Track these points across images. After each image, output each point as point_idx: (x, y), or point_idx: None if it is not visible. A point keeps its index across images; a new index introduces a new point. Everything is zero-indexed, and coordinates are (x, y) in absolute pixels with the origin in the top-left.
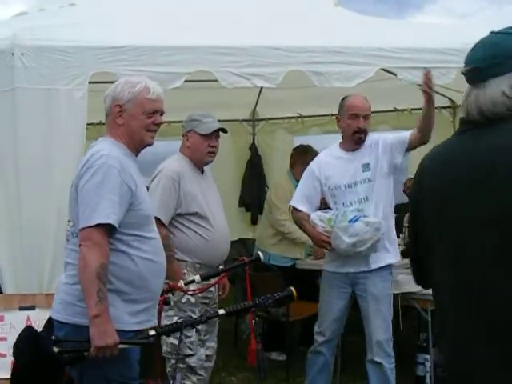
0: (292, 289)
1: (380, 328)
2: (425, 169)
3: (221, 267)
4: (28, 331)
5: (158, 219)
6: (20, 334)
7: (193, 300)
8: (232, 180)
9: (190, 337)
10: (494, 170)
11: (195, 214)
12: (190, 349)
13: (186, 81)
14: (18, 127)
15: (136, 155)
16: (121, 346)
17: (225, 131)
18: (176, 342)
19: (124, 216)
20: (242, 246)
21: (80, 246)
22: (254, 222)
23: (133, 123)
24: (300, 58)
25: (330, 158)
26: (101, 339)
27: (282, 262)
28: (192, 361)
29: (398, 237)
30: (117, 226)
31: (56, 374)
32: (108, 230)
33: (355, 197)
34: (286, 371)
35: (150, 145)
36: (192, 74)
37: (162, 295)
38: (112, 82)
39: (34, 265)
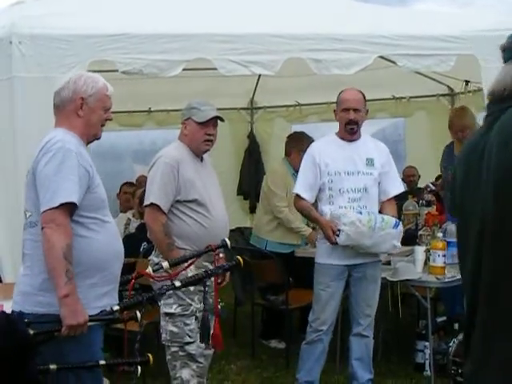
0: (239, 257)
1: (374, 306)
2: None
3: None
4: (1, 316)
5: (157, 206)
6: None
7: (192, 288)
8: (230, 168)
9: (189, 324)
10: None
11: (194, 201)
12: (190, 336)
13: (184, 69)
14: (15, 116)
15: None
16: (89, 323)
17: (221, 119)
18: (175, 329)
19: (82, 199)
20: (239, 234)
21: (43, 228)
22: (252, 210)
23: (92, 117)
24: (299, 46)
25: (330, 146)
26: (72, 318)
27: (279, 248)
28: (192, 348)
29: None
30: (78, 205)
31: (29, 356)
32: (70, 209)
33: (353, 185)
34: (285, 359)
35: (99, 138)
36: (190, 61)
37: (130, 281)
38: (110, 71)
39: None
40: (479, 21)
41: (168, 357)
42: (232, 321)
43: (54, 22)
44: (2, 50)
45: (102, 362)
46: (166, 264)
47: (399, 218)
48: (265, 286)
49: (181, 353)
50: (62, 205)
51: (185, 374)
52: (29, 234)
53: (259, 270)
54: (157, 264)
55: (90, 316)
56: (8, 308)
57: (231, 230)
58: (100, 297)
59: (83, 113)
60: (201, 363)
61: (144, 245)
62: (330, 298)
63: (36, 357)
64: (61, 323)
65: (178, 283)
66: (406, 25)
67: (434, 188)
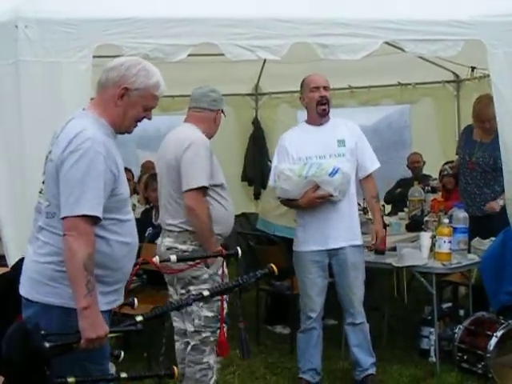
0: (272, 265)
1: (359, 293)
2: None
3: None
4: (17, 327)
5: (202, 189)
6: (9, 331)
7: (206, 276)
8: (235, 154)
9: (224, 309)
10: None
11: (220, 186)
12: (226, 322)
13: (189, 55)
14: (21, 100)
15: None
16: (110, 335)
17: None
18: (211, 314)
19: (106, 201)
20: (245, 220)
21: (65, 235)
22: (256, 196)
23: (130, 111)
24: (305, 30)
25: (299, 133)
26: (92, 331)
27: (287, 232)
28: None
29: (403, 211)
30: (101, 218)
31: (45, 369)
32: (93, 220)
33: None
34: (290, 344)
35: (130, 133)
36: (197, 46)
37: (134, 266)
38: (116, 56)
39: None
40: (487, 6)
41: (196, 342)
42: (237, 306)
43: (59, 6)
44: (7, 34)
45: (124, 375)
46: (173, 258)
47: (404, 205)
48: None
49: (212, 338)
50: (84, 215)
51: (212, 359)
52: (45, 223)
53: (264, 255)
54: (185, 252)
55: (111, 327)
56: None
57: (236, 216)
58: (107, 294)
59: (121, 103)
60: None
61: (149, 230)
62: (313, 284)
63: (53, 369)
64: (79, 335)
65: (206, 292)
66: (413, 10)
67: (451, 172)
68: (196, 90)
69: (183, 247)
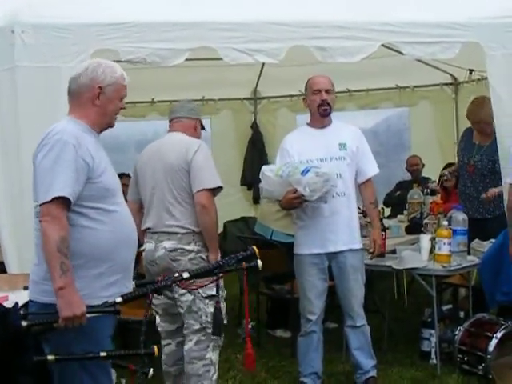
0: (254, 247)
1: (359, 296)
2: None
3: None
4: None
5: (213, 190)
6: None
7: None
8: (234, 159)
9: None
10: None
11: (219, 188)
12: (225, 317)
13: (187, 59)
14: (19, 105)
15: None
16: (88, 315)
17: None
18: None
19: (83, 189)
20: (244, 224)
21: (40, 221)
22: (255, 200)
23: (109, 106)
24: (303, 34)
25: (301, 135)
26: (67, 309)
27: (284, 238)
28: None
29: (402, 213)
30: (72, 199)
31: (23, 347)
32: (65, 203)
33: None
34: (291, 348)
35: (112, 126)
36: (194, 50)
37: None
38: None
39: None
40: (484, 8)
41: (201, 338)
42: (237, 311)
43: (56, 11)
44: (4, 39)
45: (103, 354)
46: (186, 274)
47: (404, 208)
48: (270, 275)
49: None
50: (55, 198)
51: (214, 356)
52: (36, 223)
53: (264, 259)
54: (192, 252)
55: (89, 307)
56: (14, 299)
57: (236, 220)
58: (107, 286)
59: (100, 102)
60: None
61: None
62: (312, 286)
63: (32, 347)
64: (57, 315)
65: (185, 274)
66: (411, 12)
67: (450, 177)
68: (173, 104)
69: (189, 248)
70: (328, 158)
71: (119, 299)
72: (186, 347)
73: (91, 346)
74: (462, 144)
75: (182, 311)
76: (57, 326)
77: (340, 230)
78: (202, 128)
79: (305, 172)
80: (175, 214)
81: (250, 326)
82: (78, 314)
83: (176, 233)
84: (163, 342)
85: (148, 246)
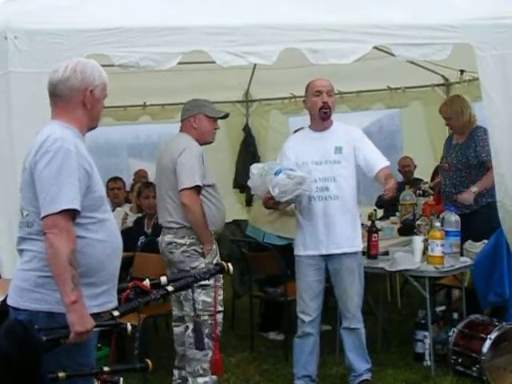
0: (223, 263)
1: (355, 298)
2: None
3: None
4: (14, 323)
5: (197, 188)
6: (5, 327)
7: (202, 265)
8: (226, 161)
9: (220, 295)
10: None
11: (212, 186)
12: (220, 305)
13: (178, 63)
14: (12, 111)
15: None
16: (95, 328)
17: (228, 116)
18: (209, 299)
19: (82, 199)
20: (236, 227)
21: (45, 234)
22: (248, 203)
23: (97, 107)
24: (295, 36)
25: (301, 138)
26: (81, 324)
27: (276, 241)
28: (220, 317)
29: (395, 215)
30: (80, 210)
31: (42, 363)
32: (72, 214)
33: (321, 174)
34: (284, 351)
35: (95, 128)
36: (186, 54)
37: (125, 290)
38: (105, 66)
39: None
40: (475, 9)
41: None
42: (230, 313)
43: (48, 16)
44: None
45: (106, 369)
46: (164, 279)
47: (396, 210)
48: (263, 278)
49: (210, 321)
50: (63, 210)
51: (210, 342)
52: (25, 233)
53: (257, 262)
54: (184, 245)
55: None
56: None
57: (228, 223)
58: (96, 296)
59: (90, 104)
60: (220, 332)
61: (141, 239)
62: (308, 287)
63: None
64: (68, 329)
65: (170, 288)
66: (402, 14)
67: (432, 192)
68: None
69: (182, 241)
70: (323, 161)
71: (116, 313)
72: (186, 333)
73: (81, 357)
74: (444, 148)
75: (181, 299)
76: (64, 341)
77: (333, 233)
78: (226, 117)
79: (277, 173)
80: (170, 210)
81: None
82: (90, 328)
83: (172, 228)
84: (173, 324)
85: (159, 239)
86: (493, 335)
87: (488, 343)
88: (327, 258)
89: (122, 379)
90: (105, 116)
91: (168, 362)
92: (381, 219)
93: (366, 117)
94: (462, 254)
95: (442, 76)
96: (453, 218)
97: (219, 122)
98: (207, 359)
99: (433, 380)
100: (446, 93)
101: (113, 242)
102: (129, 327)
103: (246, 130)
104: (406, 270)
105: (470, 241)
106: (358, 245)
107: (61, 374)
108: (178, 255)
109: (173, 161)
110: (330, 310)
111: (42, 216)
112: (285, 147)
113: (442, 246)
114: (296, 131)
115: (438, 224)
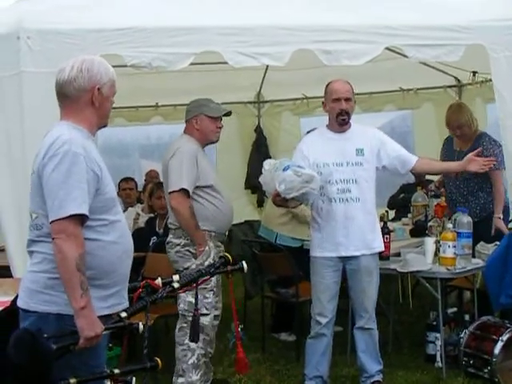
0: (227, 255)
1: (371, 298)
2: None
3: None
4: (23, 332)
5: (184, 191)
6: (15, 336)
7: (193, 266)
8: (238, 162)
9: (207, 298)
10: None
11: (211, 187)
12: (206, 308)
13: (190, 64)
14: (24, 111)
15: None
16: (104, 332)
17: (230, 114)
18: (194, 300)
19: (92, 201)
20: (248, 227)
21: (53, 239)
22: (260, 204)
23: (106, 105)
24: (308, 37)
25: (320, 138)
26: (90, 329)
27: (289, 242)
28: (205, 320)
29: (407, 216)
30: (88, 215)
31: (49, 370)
32: (81, 219)
33: (342, 176)
34: (296, 352)
35: (106, 126)
36: (199, 54)
37: (137, 290)
38: (118, 66)
39: None
40: (488, 10)
41: (182, 325)
42: (242, 314)
43: (61, 16)
44: (9, 45)
45: (117, 371)
46: (176, 277)
47: (408, 211)
48: (274, 278)
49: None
50: (72, 215)
51: (193, 343)
52: (35, 235)
53: (269, 262)
54: (178, 245)
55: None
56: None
57: (240, 224)
58: (106, 298)
59: (98, 102)
60: (208, 335)
61: (153, 239)
62: (326, 288)
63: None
64: (77, 335)
65: (176, 284)
66: (415, 15)
67: (438, 192)
68: None
69: (177, 241)
70: (344, 162)
71: (124, 314)
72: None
73: (91, 358)
74: (443, 153)
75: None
76: (73, 347)
77: (352, 235)
78: (229, 114)
79: (285, 169)
80: (170, 211)
81: (239, 329)
82: (99, 332)
83: (171, 228)
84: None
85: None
86: (505, 337)
87: (500, 345)
88: (345, 259)
89: (134, 379)
90: (117, 117)
91: None
92: (393, 220)
93: (378, 118)
94: (473, 256)
95: (455, 77)
96: (465, 219)
97: (231, 123)
98: (185, 360)
99: (444, 382)
100: (459, 94)
101: (124, 244)
102: (140, 327)
103: (258, 130)
104: (417, 272)
105: (482, 242)
106: (378, 246)
107: (72, 381)
108: (172, 255)
109: (166, 163)
110: (342, 311)
111: (50, 221)
112: (302, 145)
113: (454, 247)
114: (309, 132)
115: (450, 225)
